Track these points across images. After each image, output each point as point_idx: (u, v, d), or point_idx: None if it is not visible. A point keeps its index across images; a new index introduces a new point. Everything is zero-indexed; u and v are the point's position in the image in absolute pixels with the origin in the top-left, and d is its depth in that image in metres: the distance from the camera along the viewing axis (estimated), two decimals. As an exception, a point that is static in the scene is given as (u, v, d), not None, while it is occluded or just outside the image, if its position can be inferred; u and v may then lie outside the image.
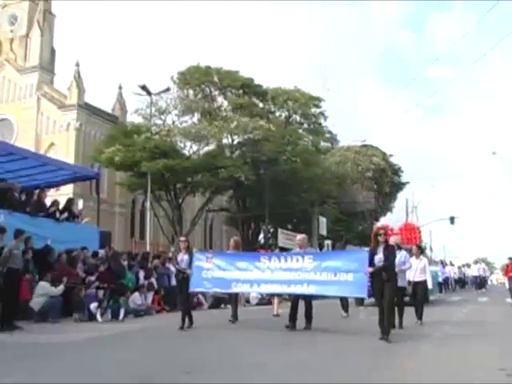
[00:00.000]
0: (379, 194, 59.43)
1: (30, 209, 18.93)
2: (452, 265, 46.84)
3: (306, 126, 52.98)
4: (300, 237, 15.42)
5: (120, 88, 58.51)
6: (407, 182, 65.53)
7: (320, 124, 53.81)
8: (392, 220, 56.79)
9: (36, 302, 15.69)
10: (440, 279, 32.84)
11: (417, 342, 11.82)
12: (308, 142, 49.75)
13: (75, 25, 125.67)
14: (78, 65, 53.13)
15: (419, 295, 15.81)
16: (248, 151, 45.21)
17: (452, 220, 60.33)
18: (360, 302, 20.57)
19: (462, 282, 45.57)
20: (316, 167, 46.92)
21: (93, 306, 16.34)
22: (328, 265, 12.99)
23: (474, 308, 23.01)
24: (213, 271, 14.11)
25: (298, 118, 52.48)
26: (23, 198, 19.50)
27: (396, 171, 64.79)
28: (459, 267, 47.25)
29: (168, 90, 41.30)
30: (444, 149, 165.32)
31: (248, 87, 47.55)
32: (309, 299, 14.09)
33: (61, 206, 21.08)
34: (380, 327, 11.50)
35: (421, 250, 16.52)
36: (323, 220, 50.83)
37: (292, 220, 53.72)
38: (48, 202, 21.21)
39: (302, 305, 13.98)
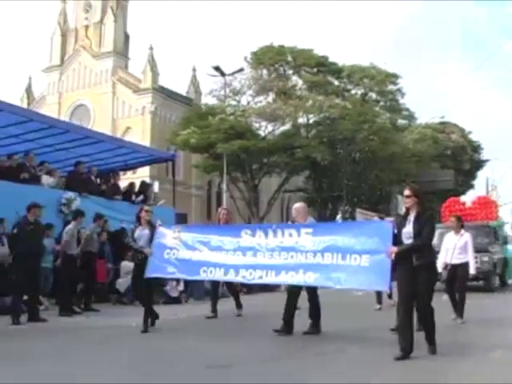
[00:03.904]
0: (459, 172, 57.92)
1: (105, 192, 18.92)
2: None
3: (382, 103, 51.93)
4: (296, 206, 10.86)
5: (194, 70, 58.51)
6: (487, 160, 63.90)
7: (397, 101, 52.68)
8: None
9: (121, 283, 15.84)
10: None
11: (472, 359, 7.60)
12: (385, 120, 48.76)
13: (148, 9, 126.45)
14: (151, 48, 53.41)
15: (458, 283, 11.93)
16: (324, 130, 44.53)
17: (535, 199, 58.37)
18: None
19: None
20: (394, 145, 45.88)
21: (170, 287, 16.16)
22: (334, 242, 8.97)
23: None
24: (178, 251, 10.52)
25: (374, 96, 51.48)
26: (99, 181, 19.53)
27: (476, 148, 63.25)
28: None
29: (242, 70, 41.33)
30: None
31: (323, 65, 46.73)
32: (313, 288, 10.10)
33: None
34: (400, 342, 7.49)
35: (461, 224, 12.45)
36: (402, 199, 49.73)
37: (370, 200, 52.83)
38: (124, 184, 21.24)
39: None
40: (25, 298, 12.01)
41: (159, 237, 10.72)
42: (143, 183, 22.05)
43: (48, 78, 58.17)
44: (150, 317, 10.48)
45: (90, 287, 14.42)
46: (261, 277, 9.58)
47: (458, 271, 11.88)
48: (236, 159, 40.63)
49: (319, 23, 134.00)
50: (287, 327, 9.85)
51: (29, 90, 59.44)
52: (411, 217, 7.81)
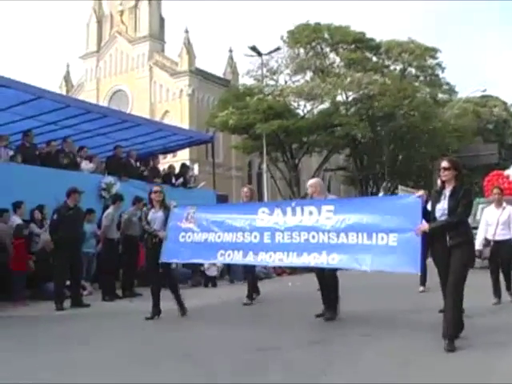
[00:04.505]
0: (502, 146, 56.97)
1: (145, 175, 18.84)
2: None
3: (422, 78, 51.33)
4: (312, 181, 9.95)
5: (230, 51, 58.17)
6: (532, 133, 62.80)
7: (437, 76, 51.97)
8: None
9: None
10: None
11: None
12: (425, 95, 48.09)
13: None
14: (187, 31, 53.22)
15: (505, 260, 10.86)
16: (363, 107, 44.15)
17: None
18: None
19: None
20: (435, 120, 45.33)
21: (206, 266, 16.16)
22: (358, 220, 8.08)
23: None
24: (193, 233, 9.67)
25: (413, 71, 50.95)
26: (139, 164, 19.48)
27: (519, 121, 62.24)
28: None
29: (278, 49, 41.05)
30: None
31: (360, 42, 46.18)
32: (332, 271, 9.31)
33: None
34: (444, 325, 6.65)
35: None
36: (443, 173, 49.07)
37: (411, 176, 52.28)
38: (164, 167, 21.22)
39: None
40: (68, 283, 12.00)
41: (174, 219, 9.95)
42: (183, 166, 21.90)
43: (85, 65, 58.55)
44: (153, 308, 9.95)
45: (132, 271, 14.33)
46: (281, 259, 8.81)
47: (502, 248, 10.79)
48: (275, 139, 40.45)
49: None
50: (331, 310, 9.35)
51: (67, 78, 59.79)
52: (447, 191, 6.94)
